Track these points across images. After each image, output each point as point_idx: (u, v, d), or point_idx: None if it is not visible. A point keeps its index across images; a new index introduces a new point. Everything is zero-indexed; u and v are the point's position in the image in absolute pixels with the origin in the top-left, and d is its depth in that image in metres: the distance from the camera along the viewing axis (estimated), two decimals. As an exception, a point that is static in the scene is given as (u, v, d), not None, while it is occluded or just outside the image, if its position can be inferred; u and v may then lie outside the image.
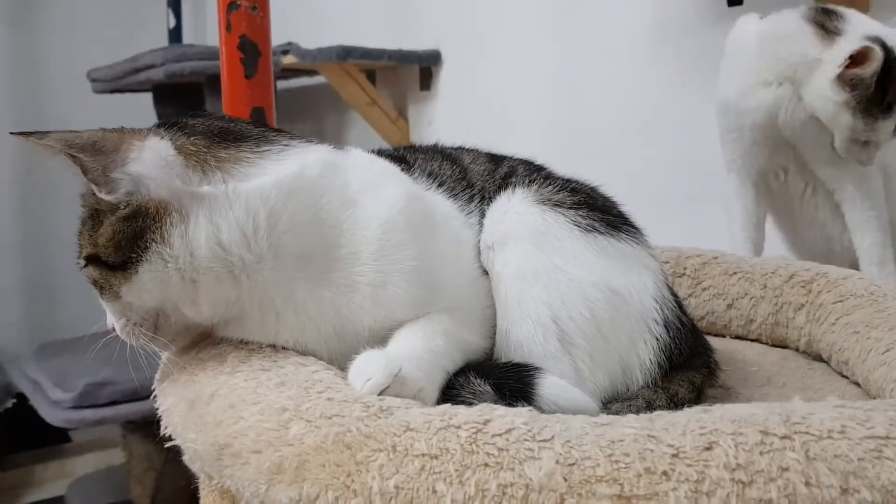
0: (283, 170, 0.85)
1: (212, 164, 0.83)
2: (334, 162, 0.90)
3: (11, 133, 0.80)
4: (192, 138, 0.85)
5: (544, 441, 0.63)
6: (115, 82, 3.03)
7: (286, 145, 0.89)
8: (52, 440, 3.36)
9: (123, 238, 0.81)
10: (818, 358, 1.18)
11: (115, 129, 0.85)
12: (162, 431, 0.84)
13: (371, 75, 2.92)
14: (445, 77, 2.77)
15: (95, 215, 0.84)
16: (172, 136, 0.85)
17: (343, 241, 0.86)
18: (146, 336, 0.85)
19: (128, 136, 0.83)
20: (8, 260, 3.49)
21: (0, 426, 3.31)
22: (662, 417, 0.67)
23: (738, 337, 1.29)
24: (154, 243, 0.81)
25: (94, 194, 0.83)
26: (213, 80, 2.78)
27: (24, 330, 3.47)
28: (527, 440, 0.63)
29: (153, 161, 0.81)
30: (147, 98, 3.11)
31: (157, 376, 0.91)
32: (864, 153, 1.41)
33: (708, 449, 0.61)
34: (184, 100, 3.02)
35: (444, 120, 2.79)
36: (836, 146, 1.43)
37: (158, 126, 0.87)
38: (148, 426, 2.72)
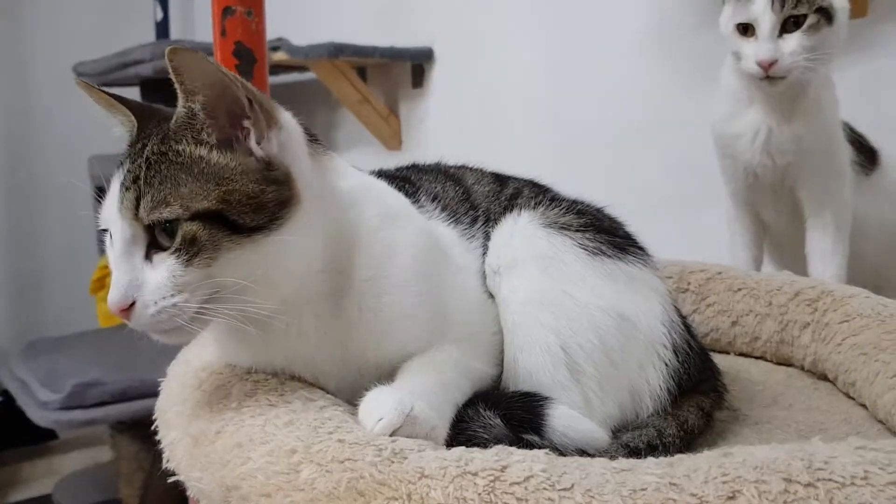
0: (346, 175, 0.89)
1: (313, 155, 0.85)
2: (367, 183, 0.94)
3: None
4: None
5: (564, 490, 0.62)
6: (102, 76, 2.99)
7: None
8: (39, 438, 3.33)
9: (271, 201, 0.77)
10: (823, 377, 1.17)
11: None
12: (164, 465, 0.82)
13: (362, 72, 2.89)
14: (438, 75, 2.74)
15: (214, 170, 0.77)
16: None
17: (359, 263, 0.85)
18: (188, 315, 0.75)
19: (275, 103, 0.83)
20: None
21: (-14, 423, 3.28)
22: (683, 462, 0.65)
23: (742, 354, 1.28)
24: (295, 215, 0.78)
25: (217, 148, 0.78)
26: (203, 76, 2.74)
27: (10, 327, 3.43)
28: (546, 489, 0.62)
29: (296, 132, 0.83)
30: (134, 93, 3.07)
31: (158, 405, 0.89)
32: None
33: (731, 498, 0.60)
34: (172, 95, 2.97)
35: (436, 118, 2.76)
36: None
37: None
38: (136, 426, 2.70)
